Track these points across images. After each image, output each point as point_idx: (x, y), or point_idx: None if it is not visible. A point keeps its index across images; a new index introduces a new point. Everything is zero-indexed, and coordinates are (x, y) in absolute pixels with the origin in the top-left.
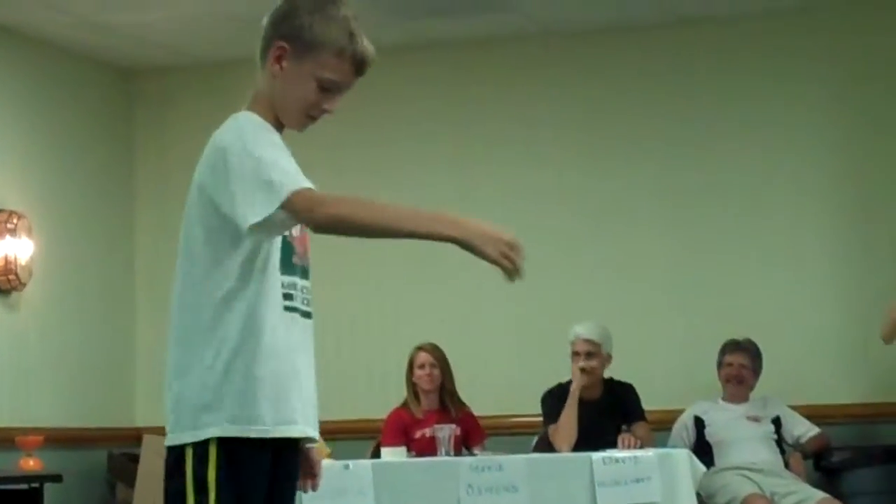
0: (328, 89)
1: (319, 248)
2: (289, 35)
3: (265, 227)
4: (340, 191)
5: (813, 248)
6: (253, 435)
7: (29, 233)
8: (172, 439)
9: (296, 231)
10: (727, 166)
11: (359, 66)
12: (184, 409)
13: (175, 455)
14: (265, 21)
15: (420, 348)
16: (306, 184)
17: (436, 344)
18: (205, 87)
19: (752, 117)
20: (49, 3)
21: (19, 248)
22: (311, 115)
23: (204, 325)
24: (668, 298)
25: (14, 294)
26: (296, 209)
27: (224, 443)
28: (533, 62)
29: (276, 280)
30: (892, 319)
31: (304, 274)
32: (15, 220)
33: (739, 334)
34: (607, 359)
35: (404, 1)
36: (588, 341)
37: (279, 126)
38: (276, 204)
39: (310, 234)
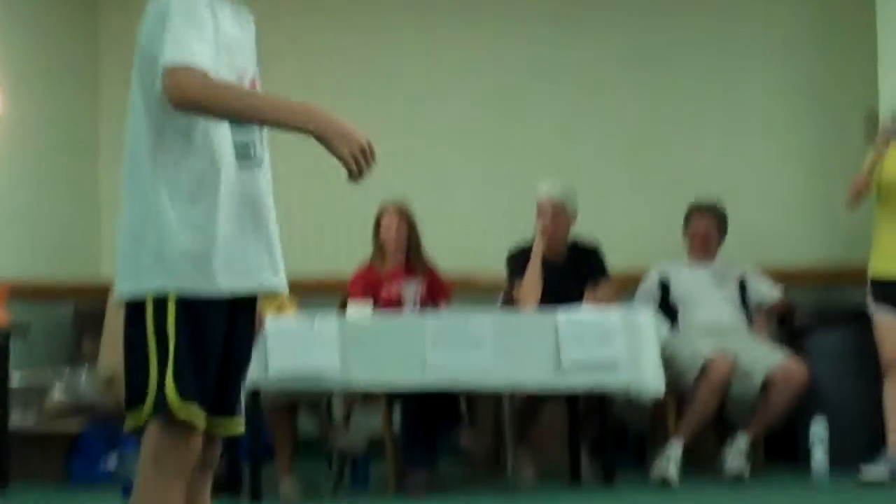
0: None
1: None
2: None
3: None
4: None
5: (781, 112)
6: (206, 295)
7: None
8: (130, 293)
9: (247, 80)
10: (695, 31)
11: None
12: (140, 263)
13: (134, 307)
14: None
15: (386, 205)
16: (183, 59)
17: (402, 201)
18: None
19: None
20: None
21: None
22: None
23: (157, 183)
24: (635, 160)
25: None
26: (164, 83)
27: (182, 297)
28: None
29: (225, 133)
30: (856, 187)
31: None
32: None
33: (706, 196)
34: (572, 217)
35: None
36: (553, 200)
37: None
38: (161, 66)
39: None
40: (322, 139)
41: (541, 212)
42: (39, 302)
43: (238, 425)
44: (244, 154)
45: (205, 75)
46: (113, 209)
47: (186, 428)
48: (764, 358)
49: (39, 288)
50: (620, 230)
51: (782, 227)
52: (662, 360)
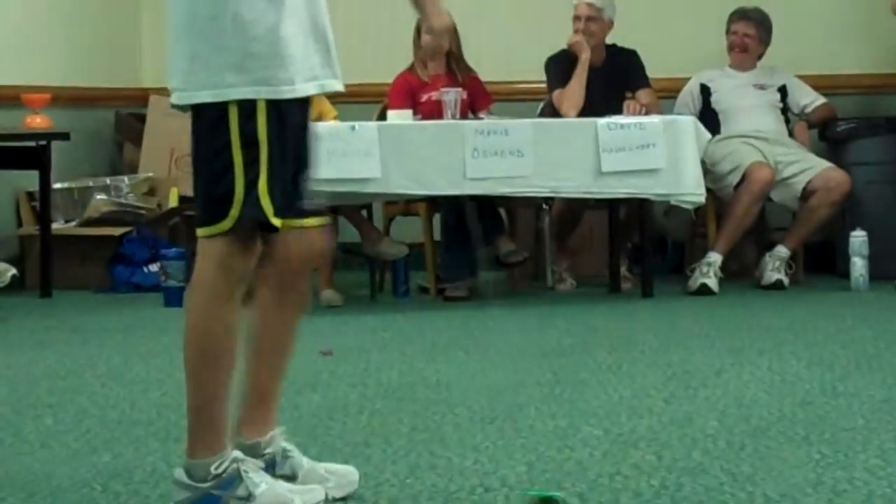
0: None
1: None
2: None
3: None
4: None
5: None
6: (290, 96)
7: None
8: (208, 96)
9: None
10: None
11: None
12: (214, 67)
13: (211, 113)
14: None
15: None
16: None
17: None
18: None
19: None
20: None
21: None
22: None
23: None
24: None
25: None
26: None
27: (271, 100)
28: None
29: None
30: None
31: None
32: None
33: (747, 2)
34: (609, 24)
35: None
36: (589, 5)
37: None
38: None
39: None
40: None
41: (577, 17)
42: (81, 107)
43: (317, 218)
44: None
45: None
46: (154, 17)
47: (254, 233)
48: (806, 166)
49: (81, 94)
50: (661, 38)
51: (823, 36)
52: (703, 168)
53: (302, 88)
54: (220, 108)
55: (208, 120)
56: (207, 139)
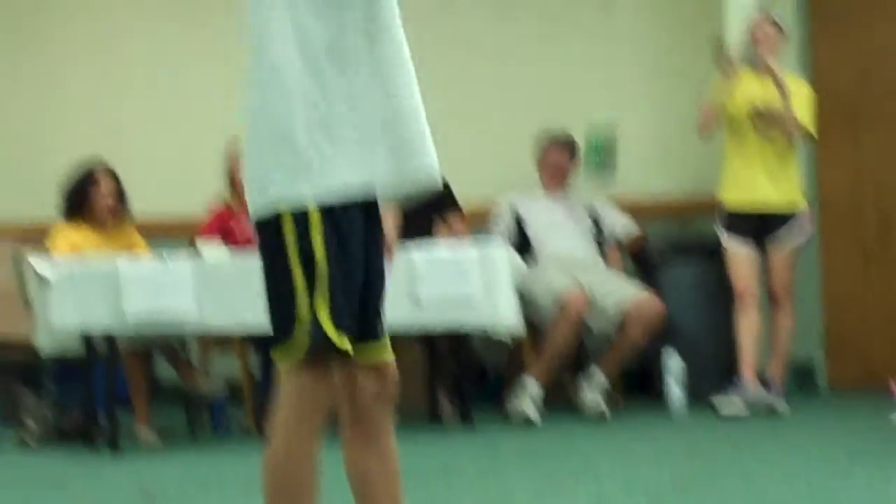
0: None
1: None
2: None
3: None
4: None
5: (627, 41)
6: (343, 200)
7: None
8: (260, 211)
9: None
10: None
11: None
12: (266, 179)
13: (264, 230)
14: None
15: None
16: None
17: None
18: None
19: None
20: None
21: None
22: None
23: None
24: (487, 90)
25: None
26: None
27: (323, 206)
28: None
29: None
30: (704, 117)
31: None
32: None
33: (557, 124)
34: None
35: None
36: None
37: None
38: None
39: None
40: None
41: None
42: None
43: (385, 351)
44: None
45: None
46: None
47: (330, 361)
48: (619, 292)
49: None
50: (471, 161)
51: (633, 158)
52: (518, 296)
53: (356, 190)
54: (274, 222)
55: (265, 235)
56: (267, 255)
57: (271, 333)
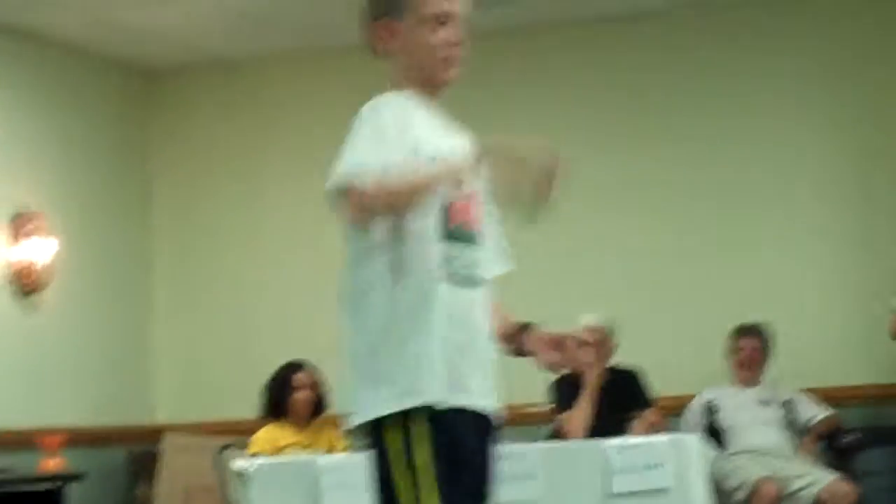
0: (443, 22)
1: None
2: (383, 12)
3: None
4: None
5: (817, 238)
6: (453, 403)
7: (48, 233)
8: (363, 417)
9: (461, 196)
10: (734, 163)
11: None
12: (364, 388)
13: (374, 439)
14: (362, 24)
15: None
16: (358, 173)
17: None
18: (219, 84)
19: (756, 121)
20: (65, 4)
21: (40, 250)
22: (446, 58)
23: (368, 308)
24: (681, 285)
25: (34, 296)
26: (338, 203)
27: (432, 417)
28: (536, 49)
29: (430, 251)
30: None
31: (474, 241)
32: (34, 223)
33: (750, 318)
34: (612, 347)
35: None
36: (596, 329)
37: (430, 90)
38: (332, 189)
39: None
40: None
41: (583, 342)
42: (94, 447)
43: None
44: (453, 270)
45: (364, 183)
46: (167, 352)
47: None
48: (813, 479)
49: (94, 434)
50: (665, 355)
51: (825, 348)
52: (711, 485)
53: (460, 399)
54: (378, 431)
55: (371, 443)
56: (375, 464)
57: None
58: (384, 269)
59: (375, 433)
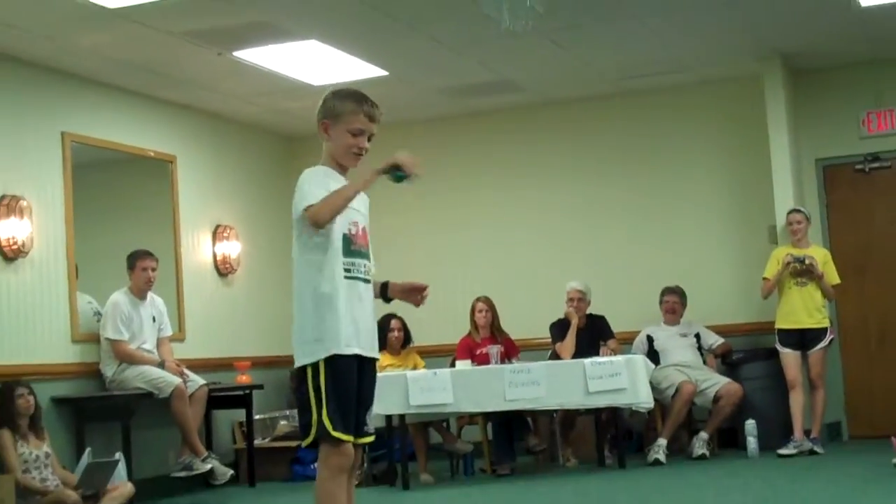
0: (356, 135)
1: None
2: (324, 116)
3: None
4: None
5: (713, 230)
6: (342, 352)
7: (237, 238)
8: (298, 363)
9: (355, 229)
10: (664, 186)
11: (370, 117)
12: (300, 343)
13: (299, 372)
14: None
15: (478, 299)
16: (311, 202)
17: (488, 296)
18: None
19: (682, 167)
20: (249, 100)
21: (232, 249)
22: (355, 154)
23: (306, 291)
24: (629, 261)
25: (229, 276)
26: (305, 215)
27: (327, 361)
28: (535, 125)
29: (339, 261)
30: (765, 290)
31: (363, 255)
32: (228, 231)
33: (672, 281)
34: (588, 302)
35: (454, 87)
36: (578, 291)
37: (341, 169)
38: (300, 210)
39: (367, 231)
40: (387, 168)
41: (570, 298)
42: (269, 368)
43: (369, 437)
44: (349, 273)
45: (318, 203)
46: None
47: (341, 442)
48: (714, 382)
49: (268, 360)
50: (621, 305)
51: (722, 300)
52: (651, 386)
53: (349, 349)
54: (301, 370)
55: (297, 376)
56: (298, 389)
57: (300, 429)
58: (314, 271)
59: (302, 370)
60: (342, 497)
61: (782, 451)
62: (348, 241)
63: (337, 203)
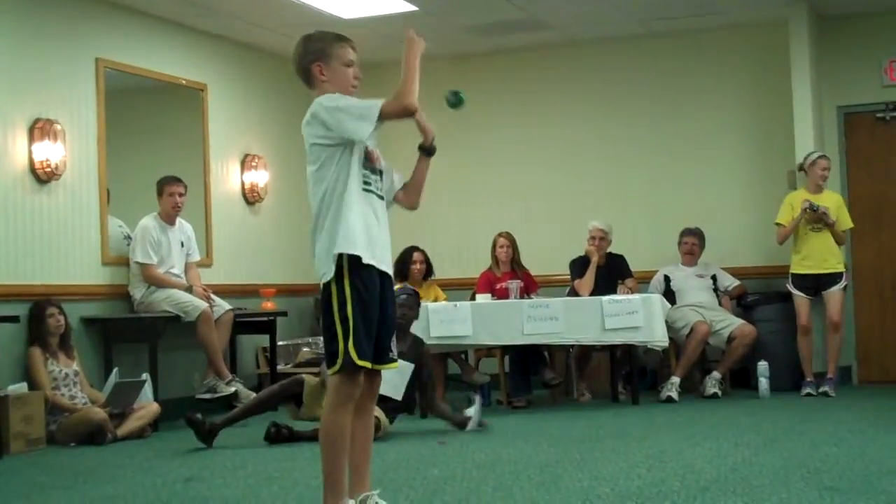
0: (350, 66)
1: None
2: (314, 59)
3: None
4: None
5: (732, 174)
6: (358, 254)
7: (265, 167)
8: (324, 279)
9: (371, 146)
10: (685, 131)
11: (353, 48)
12: (323, 258)
13: (326, 287)
14: (294, 66)
15: (500, 234)
16: (374, 102)
17: (509, 231)
18: None
19: (705, 110)
20: (279, 31)
21: (260, 178)
22: (355, 86)
23: (323, 205)
24: (650, 202)
25: (257, 205)
26: (389, 111)
27: (351, 276)
28: (560, 64)
29: (358, 173)
30: (781, 238)
31: (378, 173)
32: (257, 160)
33: (691, 223)
34: (609, 241)
35: (482, 25)
36: (600, 230)
37: None
38: (374, 114)
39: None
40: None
41: (592, 237)
42: (293, 296)
43: (393, 364)
44: (367, 186)
45: (391, 97)
46: None
47: (357, 373)
48: (729, 323)
49: (293, 288)
50: (640, 246)
51: (738, 243)
52: (666, 325)
53: (364, 256)
54: (327, 285)
55: (324, 291)
56: (324, 301)
57: (327, 358)
58: (335, 182)
59: (328, 300)
60: (348, 424)
61: (807, 391)
62: (367, 156)
63: (415, 83)
